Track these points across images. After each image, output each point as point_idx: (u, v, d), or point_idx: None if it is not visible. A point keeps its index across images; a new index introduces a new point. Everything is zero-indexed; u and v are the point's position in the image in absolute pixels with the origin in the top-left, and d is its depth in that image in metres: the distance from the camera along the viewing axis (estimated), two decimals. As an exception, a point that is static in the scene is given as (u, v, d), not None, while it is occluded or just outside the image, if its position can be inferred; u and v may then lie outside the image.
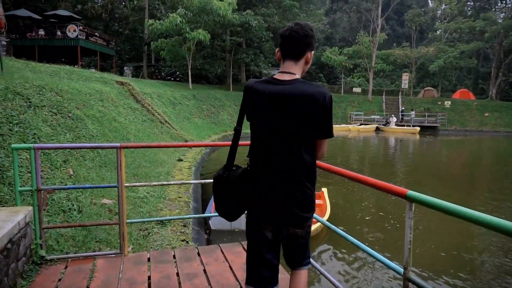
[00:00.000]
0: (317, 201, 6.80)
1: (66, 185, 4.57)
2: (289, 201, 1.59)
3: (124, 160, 2.71)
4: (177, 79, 30.20)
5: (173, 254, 3.05)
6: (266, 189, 1.62)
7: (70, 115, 7.12)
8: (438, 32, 46.63)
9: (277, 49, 1.70)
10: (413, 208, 1.46)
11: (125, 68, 28.94)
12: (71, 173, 4.94)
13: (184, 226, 4.93)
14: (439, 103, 34.58)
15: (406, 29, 54.88)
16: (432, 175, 12.10)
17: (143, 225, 4.72)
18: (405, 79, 37.05)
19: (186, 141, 13.82)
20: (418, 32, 44.55)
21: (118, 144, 2.69)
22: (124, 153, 2.71)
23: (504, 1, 41.43)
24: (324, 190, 7.22)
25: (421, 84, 45.60)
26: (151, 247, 4.03)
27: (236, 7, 25.41)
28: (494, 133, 30.69)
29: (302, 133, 1.57)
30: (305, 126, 1.56)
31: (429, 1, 66.50)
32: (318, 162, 1.80)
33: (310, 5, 36.54)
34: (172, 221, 4.93)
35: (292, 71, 1.62)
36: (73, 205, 4.15)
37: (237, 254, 3.07)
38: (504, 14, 38.81)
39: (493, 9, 41.97)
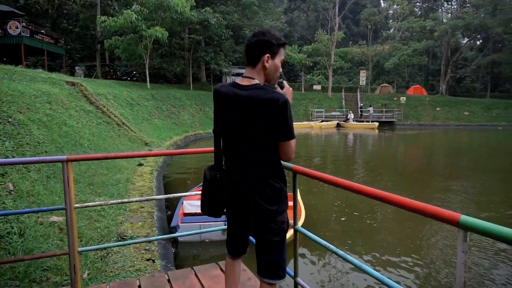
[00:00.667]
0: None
1: (3, 203, 3.87)
2: (258, 196, 1.66)
3: (72, 176, 2.17)
4: (134, 78, 28.84)
5: (138, 284, 2.56)
6: (234, 186, 1.75)
7: (10, 120, 6.27)
8: (392, 31, 48.49)
9: None
10: (468, 239, 1.09)
11: (76, 68, 27.15)
12: (11, 188, 4.23)
13: (149, 242, 4.40)
14: (395, 98, 35.89)
15: (362, 28, 56.61)
16: (393, 169, 12.29)
17: (101, 243, 4.14)
18: (363, 76, 38.11)
19: (146, 144, 13.05)
20: (372, 31, 46.00)
21: (64, 157, 2.14)
22: (72, 167, 2.18)
23: (449, 3, 43.82)
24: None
25: (377, 81, 47.19)
26: (111, 272, 3.48)
27: (194, 4, 24.68)
28: (446, 127, 32.33)
29: (264, 135, 1.62)
30: (264, 129, 1.61)
31: (382, 1, 69.16)
32: (327, 176, 1.78)
33: (269, 3, 36.39)
34: (135, 237, 4.37)
35: (251, 76, 1.68)
36: (12, 228, 3.48)
37: (215, 279, 2.63)
38: (450, 14, 40.97)
39: (440, 10, 44.23)
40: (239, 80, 1.71)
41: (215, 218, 1.94)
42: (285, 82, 1.81)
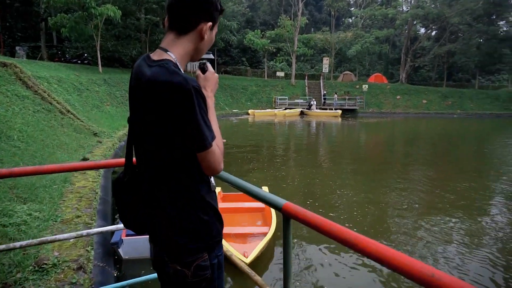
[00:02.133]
0: (257, 205, 5.66)
1: None
2: (169, 226, 1.21)
3: None
4: (86, 62, 26.47)
5: None
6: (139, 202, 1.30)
7: None
8: (353, 19, 48.72)
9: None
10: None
11: (17, 48, 24.46)
12: None
13: (79, 268, 3.37)
14: (357, 86, 36.09)
15: (324, 14, 56.51)
16: (356, 158, 11.88)
17: (10, 275, 3.08)
18: (326, 64, 37.92)
19: (95, 134, 11.64)
20: (335, 18, 45.90)
21: None
22: None
23: (410, -9, 44.53)
24: (265, 188, 6.06)
25: (340, 69, 47.39)
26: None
27: (151, -19, 22.86)
28: (406, 115, 32.99)
29: (165, 139, 1.16)
30: (165, 129, 1.15)
31: (343, -11, 69.39)
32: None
33: (231, -16, 34.91)
34: (59, 264, 3.33)
35: (168, 48, 1.20)
36: None
37: None
38: (410, 3, 41.68)
39: (400, -1, 44.89)
40: (153, 53, 1.24)
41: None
42: (209, 65, 1.33)
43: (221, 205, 5.57)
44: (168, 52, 1.20)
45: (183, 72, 1.16)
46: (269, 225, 4.84)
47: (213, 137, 1.16)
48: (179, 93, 1.08)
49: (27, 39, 29.50)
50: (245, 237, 4.61)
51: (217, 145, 1.18)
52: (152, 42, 28.51)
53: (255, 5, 52.66)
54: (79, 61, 26.09)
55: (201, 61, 1.33)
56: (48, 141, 8.74)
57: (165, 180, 1.21)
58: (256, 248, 4.13)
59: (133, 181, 1.31)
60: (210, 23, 1.24)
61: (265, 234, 4.52)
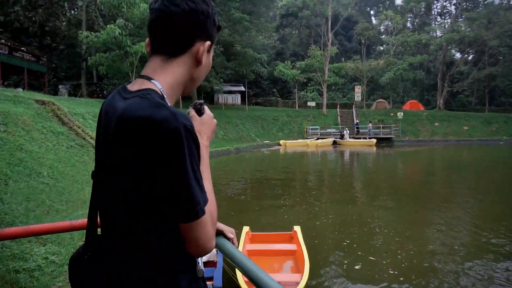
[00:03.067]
0: (289, 247, 5.14)
1: None
2: None
3: None
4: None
5: None
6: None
7: None
8: (384, 46, 48.20)
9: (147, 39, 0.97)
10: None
11: (60, 86, 25.96)
12: None
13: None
14: (392, 114, 34.98)
15: (354, 43, 56.44)
16: (394, 190, 11.01)
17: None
18: (358, 92, 37.30)
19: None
20: (366, 46, 45.66)
21: None
22: None
23: (443, 17, 43.72)
24: (297, 228, 5.53)
25: (372, 97, 46.50)
26: None
27: (183, 19, 23.75)
28: (445, 142, 31.34)
29: (139, 202, 0.82)
30: (136, 187, 0.81)
31: (373, 18, 69.66)
32: None
33: (261, 19, 35.72)
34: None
35: (152, 76, 0.90)
36: None
37: None
38: (445, 27, 40.77)
39: (433, 24, 44.09)
40: (131, 83, 0.93)
41: None
42: (206, 107, 1.04)
43: (249, 246, 5.12)
44: (152, 81, 0.89)
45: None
46: (301, 272, 4.30)
47: (206, 201, 0.83)
48: (163, 135, 0.76)
49: (70, 78, 31.35)
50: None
51: (210, 213, 0.84)
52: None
53: (285, 37, 53.62)
54: (116, 97, 27.12)
55: (197, 101, 1.05)
56: (78, 176, 8.75)
57: (135, 263, 0.84)
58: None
59: (96, 260, 0.91)
60: (208, 43, 0.95)
61: (297, 283, 3.99)
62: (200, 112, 1.03)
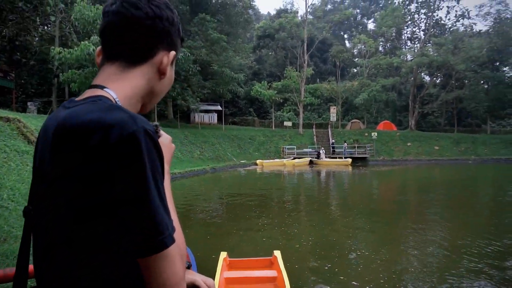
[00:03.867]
0: (269, 273, 4.87)
1: None
2: None
3: None
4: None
5: None
6: None
7: None
8: (358, 69, 49.75)
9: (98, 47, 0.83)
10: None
11: (28, 103, 24.95)
12: None
13: None
14: (366, 134, 35.72)
15: (329, 66, 57.99)
16: (371, 210, 10.99)
17: None
18: (333, 112, 38.00)
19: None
20: (340, 68, 46.93)
21: None
22: None
23: (413, 41, 45.76)
24: (277, 253, 5.26)
25: (347, 117, 47.49)
26: None
27: (160, 38, 23.56)
28: (418, 162, 32.14)
29: (83, 232, 0.63)
30: (80, 211, 0.63)
31: (346, 41, 72.16)
32: None
33: (238, 39, 36.11)
34: None
35: (106, 84, 0.75)
36: None
37: None
38: (414, 51, 42.57)
39: (404, 48, 46.00)
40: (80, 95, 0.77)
41: None
42: (161, 131, 0.89)
43: (226, 274, 4.81)
44: (105, 89, 0.74)
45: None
46: (282, 302, 4.03)
47: (174, 228, 0.65)
48: (117, 140, 0.60)
49: (41, 94, 30.24)
50: (255, 319, 3.81)
51: (179, 246, 0.67)
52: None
53: (261, 58, 54.39)
54: (88, 115, 26.35)
55: (154, 123, 0.84)
56: (43, 198, 8.19)
57: None
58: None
59: None
60: (173, 53, 0.84)
61: (278, 315, 3.72)
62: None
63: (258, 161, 28.74)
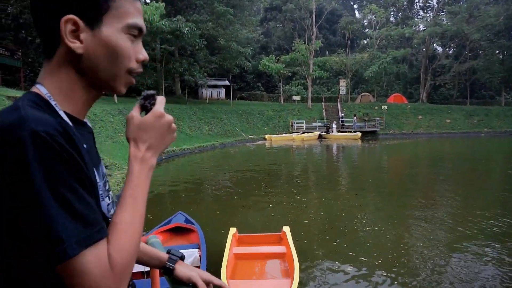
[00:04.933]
0: (278, 249, 4.90)
1: None
2: None
3: None
4: (103, 92, 26.87)
5: None
6: None
7: None
8: (368, 40, 48.40)
9: None
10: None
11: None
12: None
13: None
14: (376, 107, 35.21)
15: (338, 37, 56.53)
16: (381, 184, 10.95)
17: None
18: (343, 86, 37.38)
19: (106, 166, 11.22)
20: (350, 40, 45.74)
21: None
22: None
23: (425, 11, 44.14)
24: (286, 229, 5.28)
25: (357, 90, 46.74)
26: None
27: (164, 12, 23.11)
28: (429, 135, 31.74)
29: None
30: None
31: (356, 12, 69.93)
32: None
33: (245, 12, 35.24)
34: None
35: (40, 80, 0.70)
36: None
37: None
38: (427, 21, 41.17)
39: (416, 18, 44.48)
40: None
41: None
42: (159, 102, 0.76)
43: (236, 250, 4.85)
44: (37, 85, 0.69)
45: (63, 113, 0.67)
46: (291, 277, 4.07)
47: (90, 237, 0.59)
48: (1, 146, 0.57)
49: (48, 73, 30.33)
50: (263, 294, 3.86)
51: (103, 258, 0.60)
52: (168, 71, 28.77)
53: (269, 31, 53.25)
54: (96, 92, 26.41)
55: (145, 92, 0.76)
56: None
57: None
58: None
59: None
60: (70, 16, 0.65)
61: (286, 290, 3.76)
62: (145, 109, 0.76)
63: (267, 136, 28.70)
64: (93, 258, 0.58)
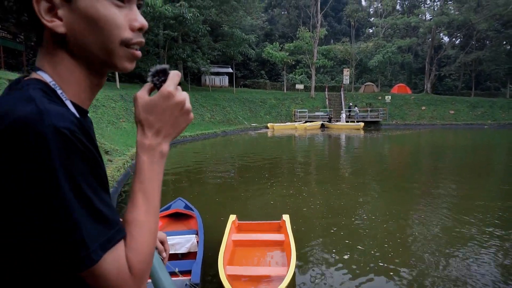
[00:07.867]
0: (277, 237, 4.94)
1: None
2: None
3: None
4: (105, 77, 26.85)
5: None
6: None
7: None
8: (373, 29, 47.82)
9: None
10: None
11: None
12: None
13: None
14: (379, 98, 35.00)
15: (343, 25, 55.90)
16: (383, 175, 10.97)
17: None
18: (346, 75, 37.11)
19: (107, 152, 11.25)
20: (355, 28, 45.21)
21: None
22: None
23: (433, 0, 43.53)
24: (286, 217, 5.31)
25: (360, 80, 46.41)
26: None
27: (168, -3, 22.88)
28: (432, 126, 31.60)
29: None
30: None
31: (362, 0, 68.87)
32: None
33: (249, -2, 34.82)
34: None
35: (39, 66, 0.63)
36: None
37: None
38: (434, 10, 40.56)
39: (423, 6, 43.82)
40: None
41: None
42: (172, 78, 0.65)
43: (235, 236, 4.90)
44: (39, 72, 0.61)
45: (69, 102, 0.61)
46: (288, 264, 4.11)
47: (112, 239, 0.56)
48: (18, 142, 0.50)
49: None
50: (259, 280, 3.91)
51: (123, 262, 0.57)
52: (170, 57, 28.60)
53: (273, 19, 52.68)
54: (99, 77, 26.39)
55: (155, 67, 0.66)
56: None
57: None
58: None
59: None
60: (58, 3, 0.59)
61: (282, 277, 3.80)
62: (156, 85, 0.66)
63: (269, 124, 28.66)
64: (113, 261, 0.55)
